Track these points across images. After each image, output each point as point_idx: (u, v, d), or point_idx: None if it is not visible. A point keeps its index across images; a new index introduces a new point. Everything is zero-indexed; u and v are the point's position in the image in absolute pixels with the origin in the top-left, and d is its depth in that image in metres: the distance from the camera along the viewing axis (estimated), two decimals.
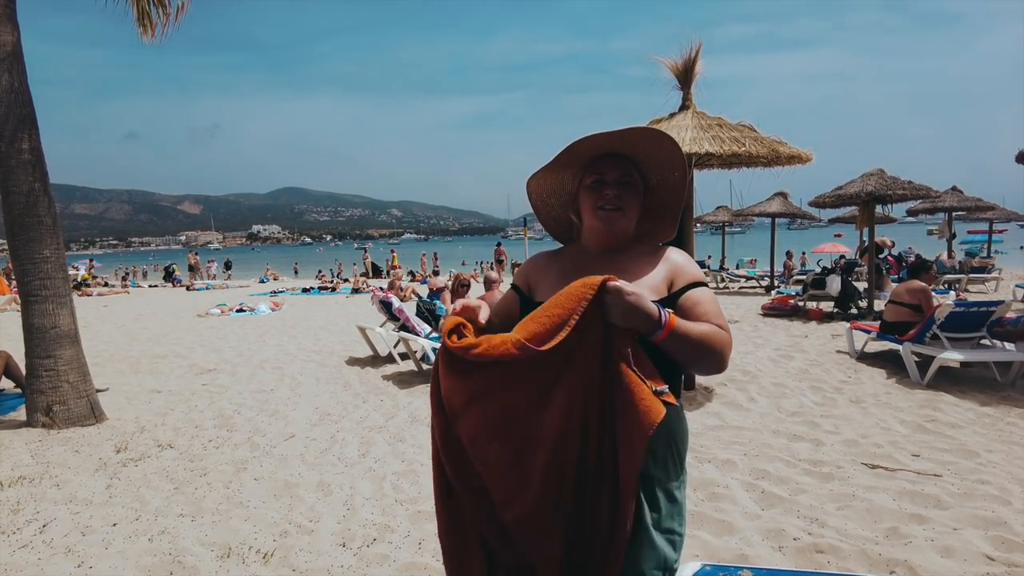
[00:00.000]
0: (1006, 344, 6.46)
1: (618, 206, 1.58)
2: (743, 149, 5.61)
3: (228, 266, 33.73)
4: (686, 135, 5.92)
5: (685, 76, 6.53)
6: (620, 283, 1.39)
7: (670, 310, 1.44)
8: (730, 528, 3.23)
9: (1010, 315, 6.80)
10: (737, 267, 23.89)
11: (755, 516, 3.36)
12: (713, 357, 1.45)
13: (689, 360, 1.46)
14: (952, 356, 5.96)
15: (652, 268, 1.59)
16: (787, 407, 5.41)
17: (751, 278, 19.54)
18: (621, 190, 1.59)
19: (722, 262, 23.30)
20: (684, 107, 6.57)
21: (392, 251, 32.27)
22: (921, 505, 3.44)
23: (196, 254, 32.59)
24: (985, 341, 6.41)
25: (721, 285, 19.26)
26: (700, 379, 6.33)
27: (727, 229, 23.50)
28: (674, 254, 1.62)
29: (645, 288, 1.52)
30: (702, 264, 22.01)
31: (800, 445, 4.45)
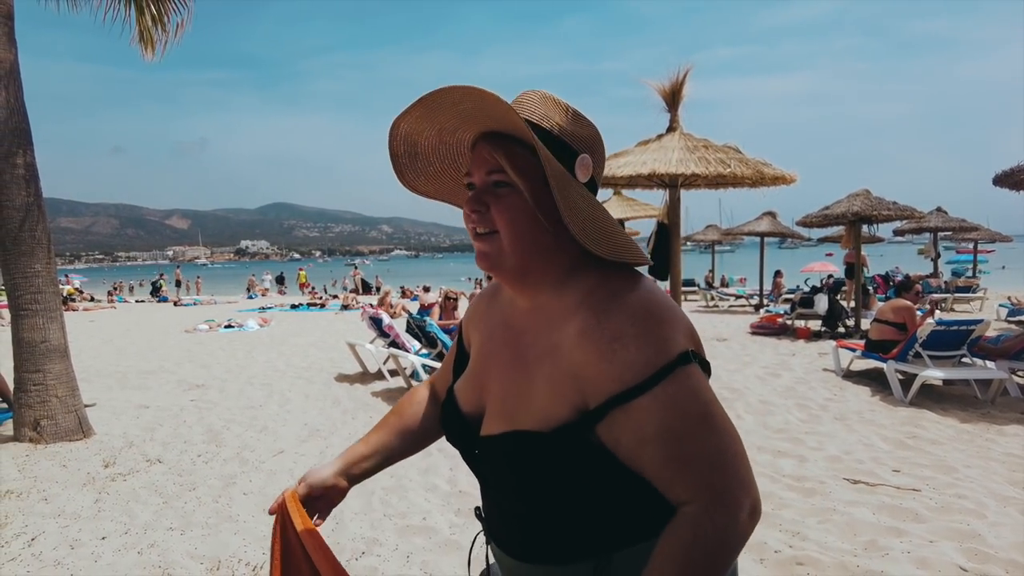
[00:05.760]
0: (987, 362, 6.59)
1: (487, 228, 0.99)
2: (728, 170, 5.74)
3: (281, 280, 33.06)
4: (672, 156, 6.05)
5: (672, 99, 6.67)
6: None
7: None
8: None
9: (991, 334, 6.95)
10: (726, 285, 24.09)
11: None
12: None
13: None
14: (933, 374, 6.08)
15: (557, 350, 0.94)
16: (773, 424, 5.48)
17: (740, 296, 19.71)
18: (491, 199, 0.98)
19: (710, 280, 23.52)
20: (671, 129, 6.71)
21: (300, 269, 32.16)
22: (899, 519, 3.51)
23: (181, 268, 32.49)
24: (966, 359, 6.53)
25: (711, 303, 19.41)
26: None
27: (717, 248, 23.72)
28: (597, 314, 0.91)
29: (533, 408, 0.95)
30: (689, 283, 22.10)
31: (784, 461, 4.52)
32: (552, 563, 1.01)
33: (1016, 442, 4.83)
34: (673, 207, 6.53)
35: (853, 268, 14.58)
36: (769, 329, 11.47)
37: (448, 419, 1.13)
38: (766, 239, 18.14)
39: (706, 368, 0.93)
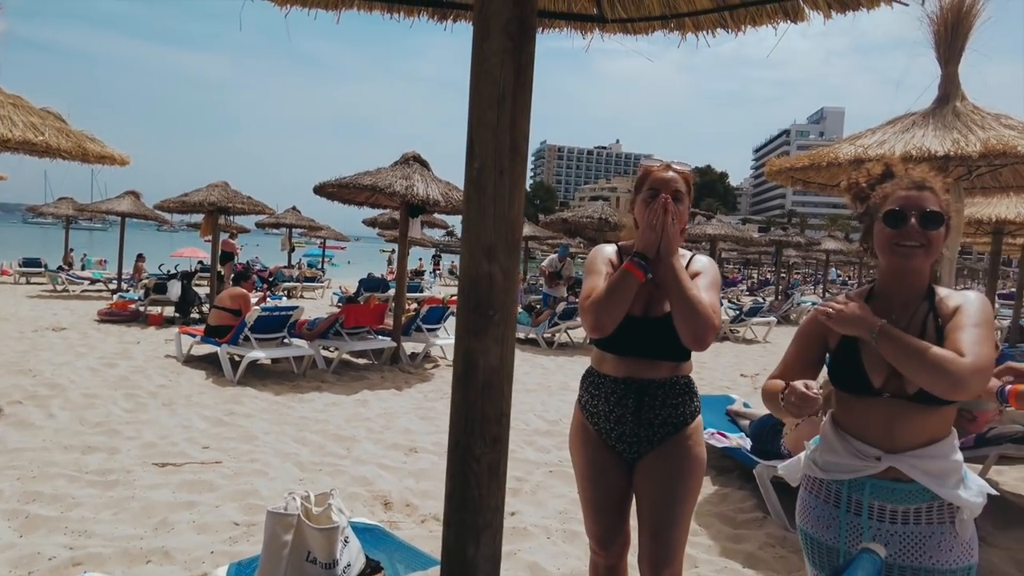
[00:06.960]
0: (304, 342, 7.78)
1: None
2: (40, 138, 5.04)
3: None
4: None
5: None
6: None
7: None
8: None
9: (307, 318, 8.24)
10: (83, 268, 21.41)
11: (10, 547, 3.05)
12: None
13: None
14: (257, 354, 6.82)
15: None
16: (92, 418, 5.12)
17: (98, 280, 17.79)
18: None
19: (71, 261, 20.53)
20: None
21: None
22: (196, 492, 3.79)
23: None
24: (287, 340, 7.55)
25: (60, 288, 16.81)
26: None
27: (87, 225, 20.83)
28: None
29: None
30: (33, 263, 18.83)
31: (93, 457, 4.28)
32: None
33: (309, 406, 5.88)
34: None
35: (224, 255, 15.11)
36: (120, 316, 10.76)
37: None
38: (139, 221, 17.12)
39: None
